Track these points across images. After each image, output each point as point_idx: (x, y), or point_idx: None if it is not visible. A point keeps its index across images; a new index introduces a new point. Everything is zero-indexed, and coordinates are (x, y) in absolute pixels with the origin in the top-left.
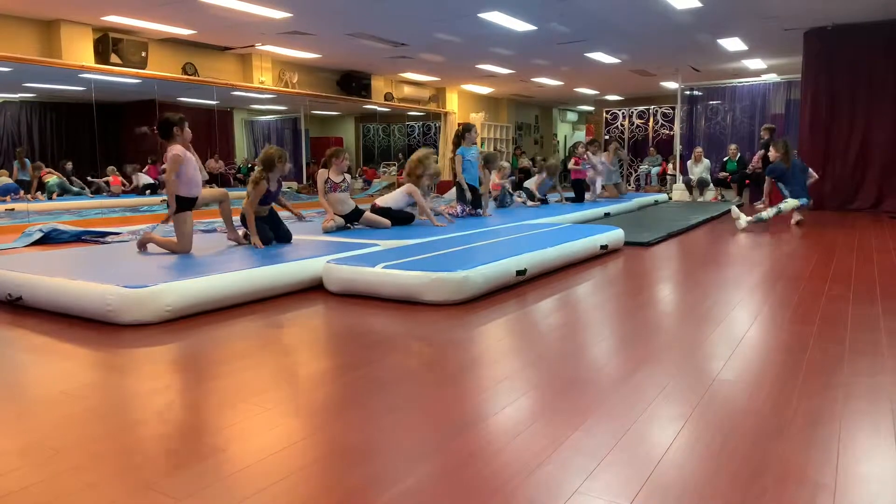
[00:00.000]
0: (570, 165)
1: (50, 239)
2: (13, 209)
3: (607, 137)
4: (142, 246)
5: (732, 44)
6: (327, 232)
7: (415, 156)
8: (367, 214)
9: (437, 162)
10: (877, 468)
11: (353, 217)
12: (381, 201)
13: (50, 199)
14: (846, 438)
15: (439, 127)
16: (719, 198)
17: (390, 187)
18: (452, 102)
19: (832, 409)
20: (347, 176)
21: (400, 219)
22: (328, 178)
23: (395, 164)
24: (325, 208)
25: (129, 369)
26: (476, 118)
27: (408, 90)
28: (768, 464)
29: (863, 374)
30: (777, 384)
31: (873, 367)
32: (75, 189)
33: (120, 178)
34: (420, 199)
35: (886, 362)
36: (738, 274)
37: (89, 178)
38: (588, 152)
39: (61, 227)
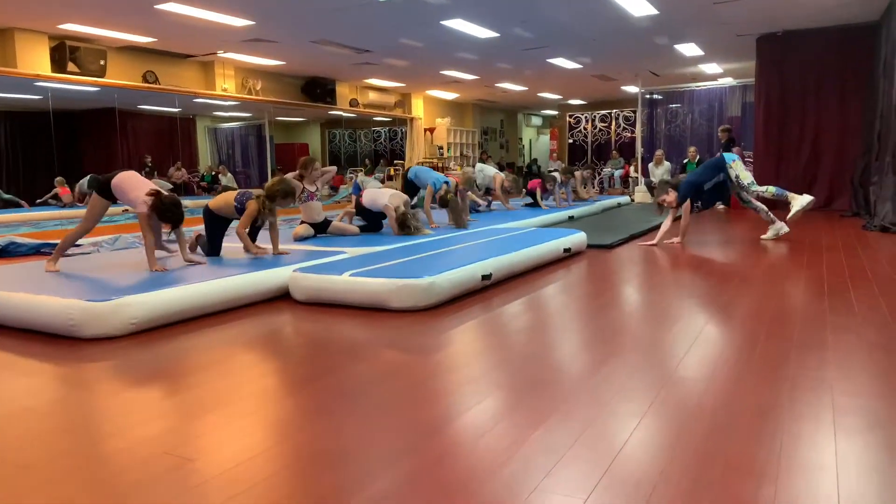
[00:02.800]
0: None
1: (7, 252)
2: None
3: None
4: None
5: (689, 49)
6: (298, 239)
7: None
8: (335, 223)
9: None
10: (817, 456)
11: (323, 227)
12: (367, 199)
13: None
14: (790, 430)
15: (405, 132)
16: None
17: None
18: (418, 108)
19: (779, 402)
20: (319, 184)
21: (371, 222)
22: (304, 187)
23: (361, 170)
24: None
25: (95, 383)
26: (441, 123)
27: (373, 96)
28: (717, 456)
29: (808, 368)
30: (729, 380)
31: (818, 362)
32: (6, 196)
33: (69, 189)
34: (393, 225)
35: (830, 356)
36: (694, 274)
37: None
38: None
39: (18, 239)
